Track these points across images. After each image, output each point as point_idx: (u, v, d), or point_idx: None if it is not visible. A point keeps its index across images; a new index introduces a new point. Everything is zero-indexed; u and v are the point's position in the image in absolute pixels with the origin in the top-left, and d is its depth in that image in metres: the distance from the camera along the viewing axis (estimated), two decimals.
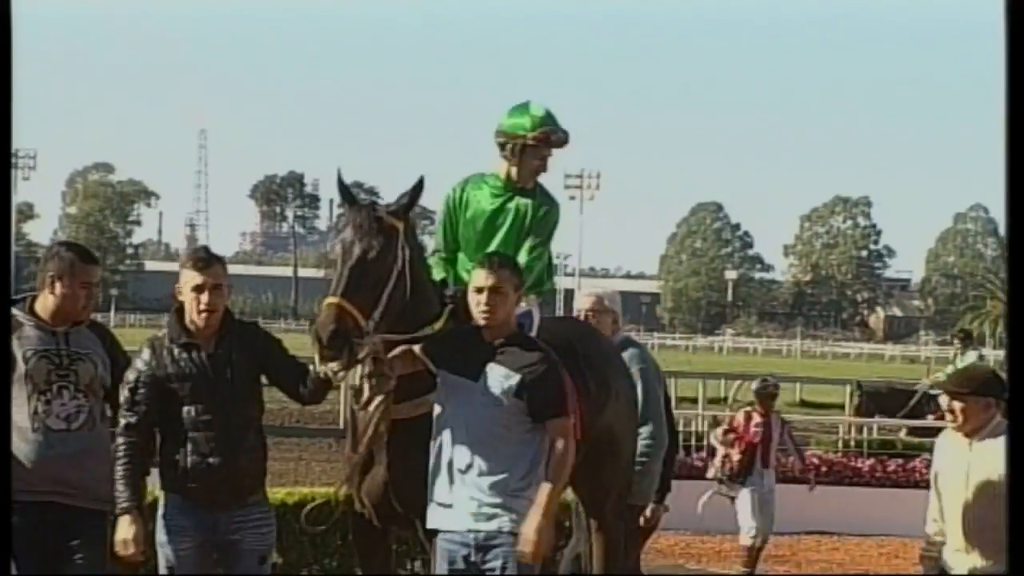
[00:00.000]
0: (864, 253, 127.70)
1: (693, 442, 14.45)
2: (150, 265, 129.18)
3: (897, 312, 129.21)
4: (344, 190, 6.07)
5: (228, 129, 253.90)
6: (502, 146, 6.85)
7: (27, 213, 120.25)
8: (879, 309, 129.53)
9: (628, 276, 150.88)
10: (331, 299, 5.72)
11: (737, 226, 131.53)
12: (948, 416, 6.23)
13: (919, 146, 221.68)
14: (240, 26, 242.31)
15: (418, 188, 6.11)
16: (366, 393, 5.83)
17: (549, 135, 6.80)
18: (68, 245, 6.19)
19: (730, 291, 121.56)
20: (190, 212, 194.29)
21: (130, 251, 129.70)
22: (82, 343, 5.99)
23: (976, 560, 6.15)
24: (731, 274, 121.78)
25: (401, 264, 5.94)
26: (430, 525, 5.89)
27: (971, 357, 18.83)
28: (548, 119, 6.83)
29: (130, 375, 5.93)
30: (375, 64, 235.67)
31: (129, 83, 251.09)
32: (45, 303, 5.97)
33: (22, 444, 5.87)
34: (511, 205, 6.84)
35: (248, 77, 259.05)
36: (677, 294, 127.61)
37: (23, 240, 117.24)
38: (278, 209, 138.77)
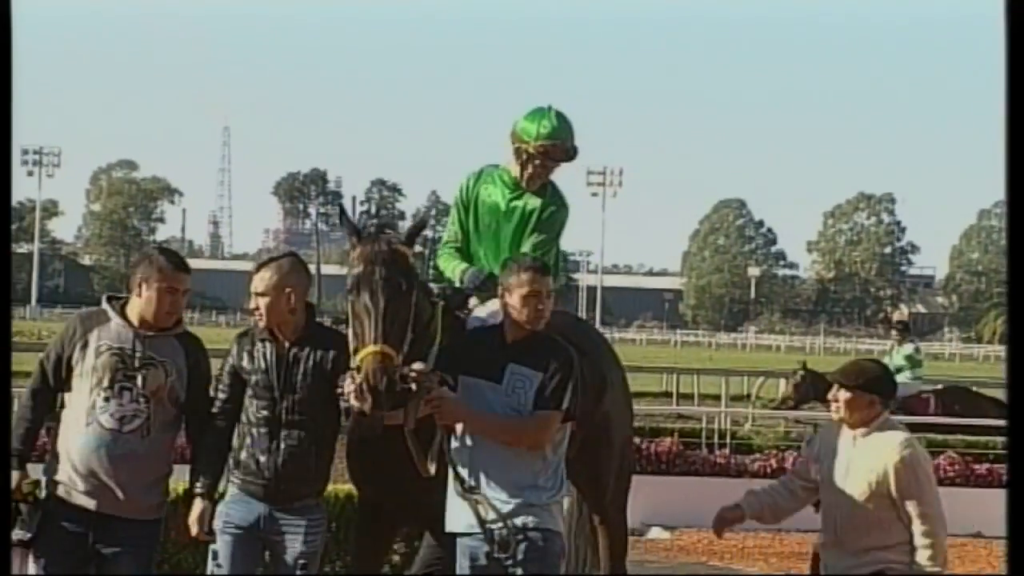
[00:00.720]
0: (888, 250, 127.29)
1: (716, 439, 14.44)
2: None
3: (921, 309, 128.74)
4: (350, 223, 5.98)
5: (251, 126, 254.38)
6: (512, 144, 6.88)
7: (51, 210, 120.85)
8: (903, 306, 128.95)
9: (651, 273, 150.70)
10: (374, 348, 5.64)
11: (760, 223, 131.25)
12: (832, 405, 6.17)
13: (943, 142, 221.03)
14: (263, 23, 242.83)
15: (422, 224, 6.20)
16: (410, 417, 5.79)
17: (549, 149, 6.80)
18: (161, 250, 6.17)
19: (753, 288, 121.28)
20: (213, 209, 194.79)
21: (154, 248, 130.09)
22: (161, 350, 5.96)
23: (844, 556, 6.05)
24: (754, 271, 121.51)
25: (416, 294, 5.95)
26: (452, 526, 5.89)
27: (908, 349, 18.65)
28: (557, 131, 6.82)
29: (222, 368, 6.04)
30: (400, 60, 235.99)
31: (153, 80, 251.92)
32: (133, 305, 5.99)
33: (72, 436, 5.90)
34: (520, 204, 6.87)
35: (271, 74, 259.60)
36: (700, 291, 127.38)
37: (48, 237, 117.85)
38: (301, 206, 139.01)
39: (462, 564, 5.86)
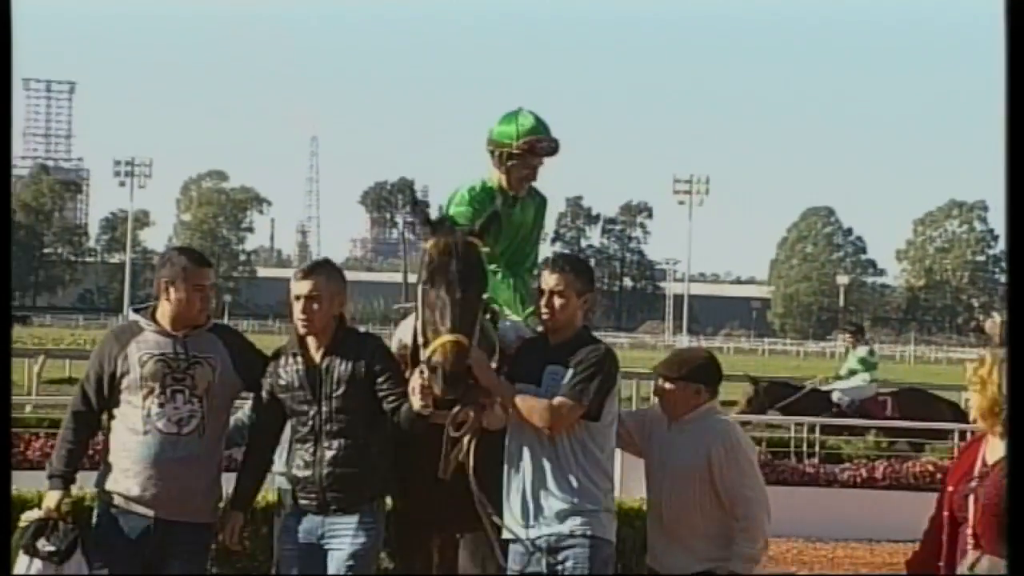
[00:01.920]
0: (980, 258, 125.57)
1: (805, 448, 14.32)
2: (262, 271, 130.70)
3: None
4: (423, 214, 6.02)
5: (339, 136, 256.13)
6: (492, 154, 6.83)
7: (143, 220, 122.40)
8: (995, 314, 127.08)
9: (738, 281, 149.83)
10: (451, 337, 5.66)
11: (849, 230, 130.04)
12: (655, 397, 6.07)
13: None
14: (352, 32, 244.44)
15: (494, 216, 6.12)
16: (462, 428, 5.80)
17: (534, 144, 6.77)
18: (180, 250, 6.24)
19: (842, 296, 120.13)
20: (302, 219, 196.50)
21: (243, 257, 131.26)
22: (201, 347, 6.00)
23: (674, 550, 5.93)
24: (843, 279, 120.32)
25: (486, 288, 5.98)
26: (505, 534, 5.88)
27: (862, 352, 18.38)
28: (535, 128, 6.79)
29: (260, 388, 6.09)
30: (487, 65, 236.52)
31: (242, 91, 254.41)
32: (163, 309, 6.03)
33: (128, 447, 5.94)
34: (517, 218, 6.84)
35: (360, 83, 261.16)
36: (788, 299, 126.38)
37: (139, 247, 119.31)
38: (388, 215, 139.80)
39: (512, 569, 5.87)
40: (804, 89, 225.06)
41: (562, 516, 5.78)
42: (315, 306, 5.91)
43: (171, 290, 6.00)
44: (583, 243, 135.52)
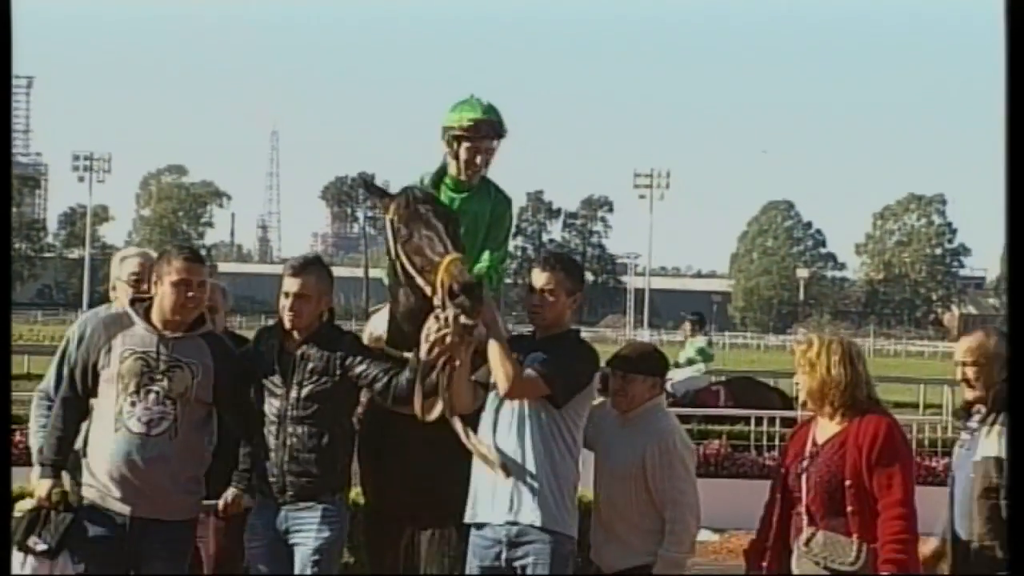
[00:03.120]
0: (939, 251, 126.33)
1: (765, 441, 14.38)
2: (223, 267, 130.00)
3: (972, 310, 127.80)
4: (376, 188, 6.26)
5: (299, 130, 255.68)
6: (444, 141, 6.94)
7: (102, 215, 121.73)
8: (954, 307, 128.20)
9: (699, 275, 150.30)
10: (451, 256, 5.79)
11: (809, 224, 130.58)
12: (615, 396, 6.08)
13: (993, 142, 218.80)
14: (309, 27, 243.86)
15: (441, 170, 6.59)
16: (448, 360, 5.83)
17: (479, 125, 6.85)
18: (176, 246, 6.20)
19: (802, 290, 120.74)
20: (262, 213, 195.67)
21: (203, 252, 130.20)
22: (186, 351, 5.97)
23: (610, 542, 5.98)
24: (803, 272, 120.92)
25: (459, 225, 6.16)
26: (467, 519, 5.93)
27: (700, 342, 18.62)
28: (479, 111, 6.89)
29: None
30: (448, 60, 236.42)
31: (201, 85, 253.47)
32: (156, 308, 6.02)
33: (102, 442, 5.93)
34: (469, 207, 6.91)
35: (318, 77, 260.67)
36: (748, 293, 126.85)
37: (98, 242, 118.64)
38: (349, 210, 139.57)
39: (471, 562, 5.92)
40: (764, 84, 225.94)
41: (523, 507, 5.80)
42: (303, 304, 5.96)
43: (158, 285, 6.00)
44: (544, 237, 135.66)
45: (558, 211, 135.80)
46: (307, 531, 5.91)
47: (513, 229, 7.21)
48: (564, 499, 5.86)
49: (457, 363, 5.81)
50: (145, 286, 6.27)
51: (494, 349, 5.80)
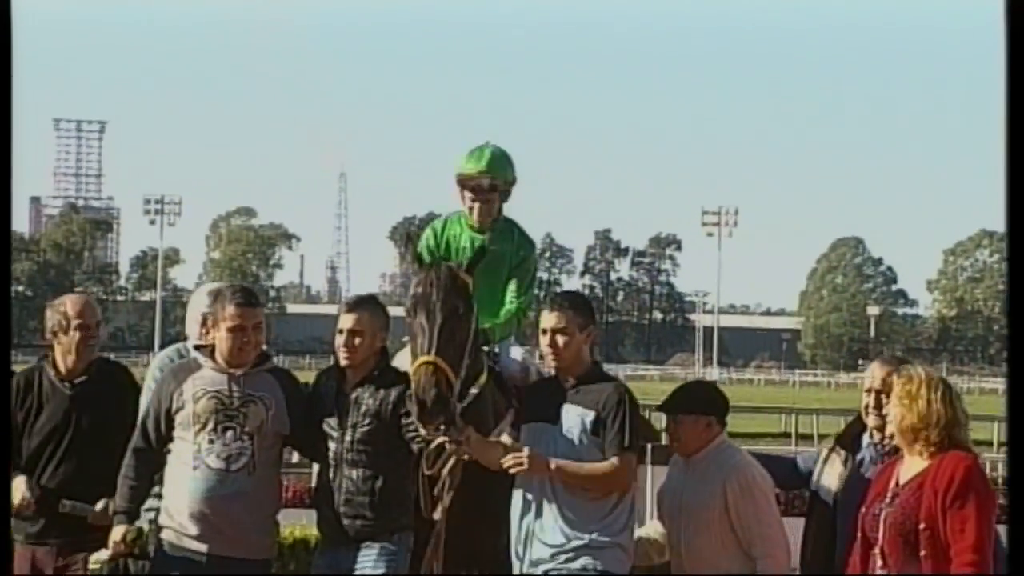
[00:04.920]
0: None
1: None
2: (292, 308, 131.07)
3: None
4: (413, 250, 6.16)
5: (367, 172, 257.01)
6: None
7: (173, 258, 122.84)
8: None
9: (768, 313, 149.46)
10: (426, 357, 5.72)
11: (879, 261, 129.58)
12: (669, 438, 5.95)
13: None
14: (377, 70, 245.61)
15: (482, 251, 6.22)
16: (445, 465, 5.80)
17: (464, 181, 6.84)
18: (231, 288, 6.25)
19: (872, 327, 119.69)
20: (331, 255, 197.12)
21: (272, 294, 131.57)
22: (256, 386, 6.03)
23: None
24: (873, 309, 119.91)
25: (475, 322, 6.01)
26: (516, 569, 5.90)
27: None
28: (485, 163, 6.85)
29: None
30: (517, 102, 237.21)
31: (269, 129, 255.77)
32: (217, 347, 6.09)
33: (180, 482, 5.97)
34: (490, 247, 6.80)
35: (388, 120, 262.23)
36: (818, 330, 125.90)
37: (169, 285, 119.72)
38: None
39: None
40: (834, 121, 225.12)
41: (573, 551, 5.79)
42: (357, 340, 6.00)
43: (214, 330, 6.07)
44: (612, 276, 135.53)
45: (626, 249, 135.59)
46: (362, 567, 5.91)
47: (537, 274, 7.15)
48: (616, 538, 5.84)
49: (466, 455, 5.79)
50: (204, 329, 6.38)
51: (570, 474, 5.79)
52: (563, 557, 5.79)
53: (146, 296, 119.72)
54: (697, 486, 5.83)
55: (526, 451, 5.75)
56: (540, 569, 5.83)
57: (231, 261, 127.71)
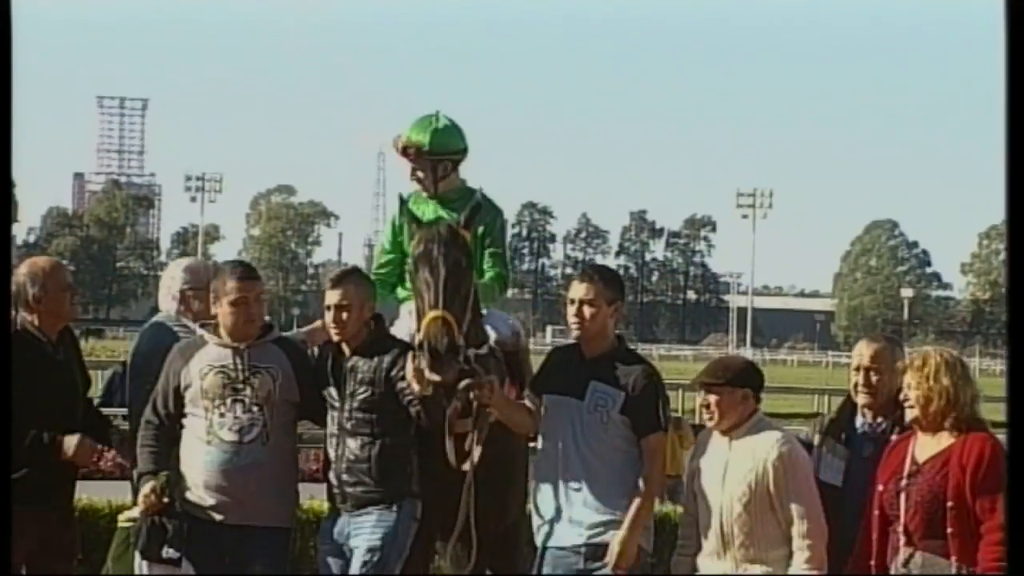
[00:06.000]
0: None
1: None
2: None
3: None
4: (409, 212, 6.19)
5: None
6: None
7: (213, 235, 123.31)
8: None
9: (802, 294, 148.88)
10: (435, 312, 5.73)
11: (914, 244, 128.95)
12: (704, 412, 5.87)
13: None
14: (415, 51, 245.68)
15: (478, 206, 6.20)
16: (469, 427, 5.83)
17: (408, 149, 6.78)
18: (231, 263, 6.30)
19: (906, 309, 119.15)
20: (368, 233, 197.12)
21: (311, 271, 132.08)
22: (261, 358, 6.06)
23: (732, 566, 5.75)
24: (907, 292, 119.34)
25: (473, 276, 6.04)
26: (538, 541, 5.92)
27: None
28: (417, 133, 6.79)
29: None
30: (550, 83, 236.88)
31: (309, 108, 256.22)
32: (219, 325, 6.12)
33: (195, 456, 6.01)
34: (453, 216, 6.71)
35: (424, 100, 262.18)
36: (852, 312, 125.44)
37: (210, 261, 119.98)
38: None
39: (545, 569, 5.90)
40: (868, 104, 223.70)
41: (602, 526, 5.79)
42: (344, 314, 6.03)
43: (216, 305, 6.10)
44: (647, 256, 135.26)
45: (661, 230, 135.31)
46: (362, 535, 5.95)
47: (509, 239, 7.10)
48: (640, 532, 5.85)
49: (491, 409, 5.79)
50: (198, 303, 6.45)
51: (651, 497, 5.88)
52: (592, 532, 5.80)
53: None
54: (739, 462, 5.76)
55: (614, 548, 5.77)
56: (569, 542, 5.83)
57: (270, 238, 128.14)
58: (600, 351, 5.93)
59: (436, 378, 5.67)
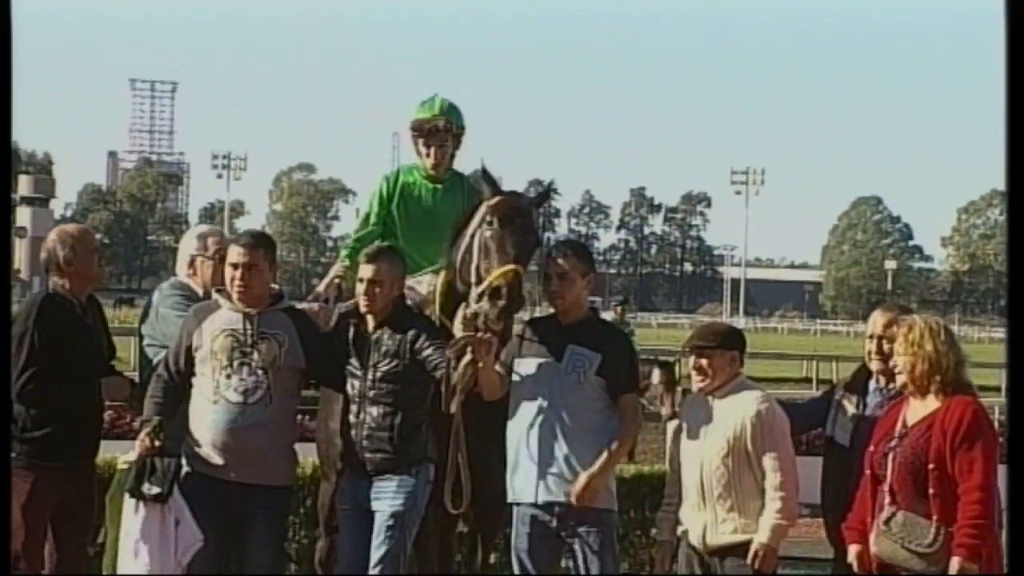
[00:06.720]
0: None
1: None
2: None
3: None
4: (490, 178, 6.18)
5: None
6: (413, 138, 7.01)
7: (238, 210, 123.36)
8: None
9: (792, 266, 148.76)
10: (514, 267, 5.80)
11: (897, 218, 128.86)
12: (696, 375, 5.84)
13: None
14: (428, 32, 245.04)
15: (549, 189, 6.32)
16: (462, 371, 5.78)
17: (421, 125, 6.92)
18: (243, 232, 6.32)
19: (890, 280, 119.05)
20: None
21: (330, 244, 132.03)
22: (270, 324, 6.04)
23: (711, 518, 5.74)
24: (891, 264, 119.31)
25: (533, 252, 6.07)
26: (512, 498, 5.93)
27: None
28: (432, 111, 6.92)
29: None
30: (553, 68, 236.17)
31: (329, 89, 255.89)
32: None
33: (203, 415, 5.99)
34: (443, 201, 6.93)
35: (437, 83, 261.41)
36: (839, 283, 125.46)
37: (223, 229, 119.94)
38: None
39: (520, 532, 5.90)
40: (855, 87, 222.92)
41: (570, 487, 5.80)
42: (377, 289, 6.00)
43: (225, 271, 6.10)
44: (646, 230, 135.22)
45: (659, 206, 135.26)
46: (383, 499, 5.93)
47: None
48: (608, 477, 5.89)
49: (480, 363, 5.77)
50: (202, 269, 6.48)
51: (617, 456, 5.91)
52: (567, 489, 5.79)
53: None
54: (721, 419, 5.77)
55: (580, 481, 5.78)
56: (543, 499, 5.83)
57: (292, 213, 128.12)
58: (576, 319, 5.97)
59: (497, 326, 5.73)
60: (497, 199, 6.05)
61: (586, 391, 5.83)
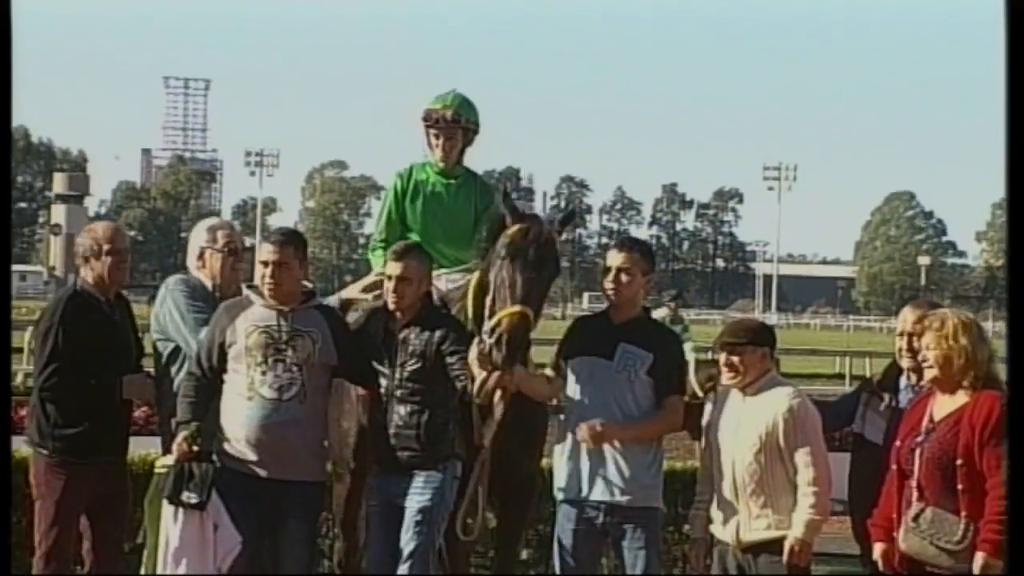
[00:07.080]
0: None
1: None
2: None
3: None
4: (510, 201, 6.09)
5: None
6: (426, 132, 7.00)
7: (271, 207, 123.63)
8: None
9: (824, 262, 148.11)
10: (519, 308, 5.71)
11: (930, 214, 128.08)
12: (727, 372, 5.79)
13: None
14: (459, 30, 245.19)
15: (572, 215, 6.43)
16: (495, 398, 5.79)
17: (431, 114, 6.93)
18: (275, 230, 6.32)
19: (923, 276, 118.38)
20: None
21: (362, 241, 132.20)
22: (304, 322, 6.04)
23: (745, 516, 5.71)
24: (924, 259, 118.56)
25: (556, 276, 6.00)
26: (563, 496, 5.92)
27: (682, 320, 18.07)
28: (445, 104, 6.93)
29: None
30: (589, 66, 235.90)
31: (360, 87, 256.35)
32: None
33: (236, 411, 5.98)
34: (455, 197, 6.93)
35: (473, 78, 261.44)
36: (872, 278, 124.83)
37: (268, 232, 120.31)
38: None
39: (565, 528, 5.90)
40: (887, 81, 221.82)
41: (621, 486, 5.80)
42: (405, 286, 6.00)
43: (258, 267, 6.11)
44: (678, 226, 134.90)
45: (691, 202, 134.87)
46: (413, 496, 5.93)
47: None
48: (656, 475, 5.90)
49: (506, 390, 5.77)
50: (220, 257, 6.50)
51: (638, 432, 5.85)
52: (617, 490, 5.82)
53: (247, 242, 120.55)
54: (754, 416, 5.74)
55: (598, 423, 5.77)
56: (593, 497, 5.84)
57: (324, 210, 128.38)
58: (629, 317, 5.92)
59: (503, 371, 5.66)
60: (515, 229, 5.95)
61: (636, 390, 5.82)
